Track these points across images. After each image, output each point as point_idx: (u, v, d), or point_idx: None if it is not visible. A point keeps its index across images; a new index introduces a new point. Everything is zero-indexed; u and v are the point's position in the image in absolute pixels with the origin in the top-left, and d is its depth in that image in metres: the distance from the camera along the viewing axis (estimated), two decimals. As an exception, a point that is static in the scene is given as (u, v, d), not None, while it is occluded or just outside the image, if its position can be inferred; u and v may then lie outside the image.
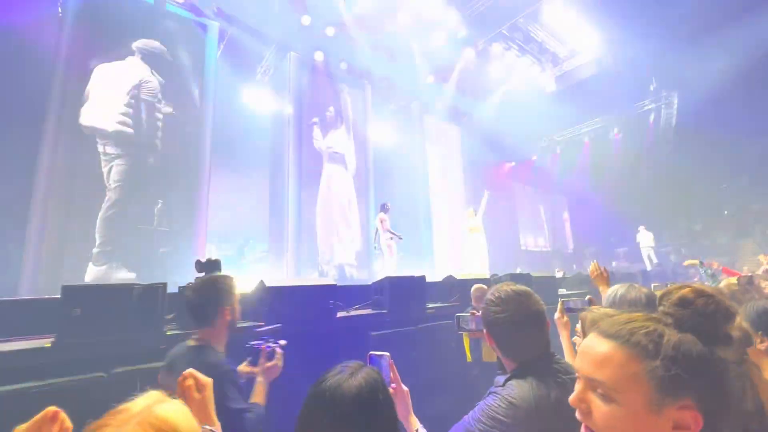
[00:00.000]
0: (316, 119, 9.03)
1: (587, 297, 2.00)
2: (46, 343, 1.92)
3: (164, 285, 2.37)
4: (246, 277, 8.07)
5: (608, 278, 2.39)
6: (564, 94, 12.59)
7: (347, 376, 0.82)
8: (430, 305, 3.94)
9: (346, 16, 9.14)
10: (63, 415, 0.65)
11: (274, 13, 8.54)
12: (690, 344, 0.59)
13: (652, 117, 13.10)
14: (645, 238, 11.12)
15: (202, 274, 2.95)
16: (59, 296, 2.04)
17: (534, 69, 12.04)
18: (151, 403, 0.57)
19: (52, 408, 0.65)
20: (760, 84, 10.15)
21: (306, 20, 8.84)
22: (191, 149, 7.13)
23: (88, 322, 1.99)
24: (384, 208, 7.58)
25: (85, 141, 6.05)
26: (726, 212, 12.69)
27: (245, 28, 8.36)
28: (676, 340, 0.60)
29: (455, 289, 4.32)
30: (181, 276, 6.31)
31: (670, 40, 10.34)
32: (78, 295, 2.07)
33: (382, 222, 7.51)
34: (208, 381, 0.87)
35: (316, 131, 9.04)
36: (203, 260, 2.99)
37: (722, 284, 2.52)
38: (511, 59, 11.42)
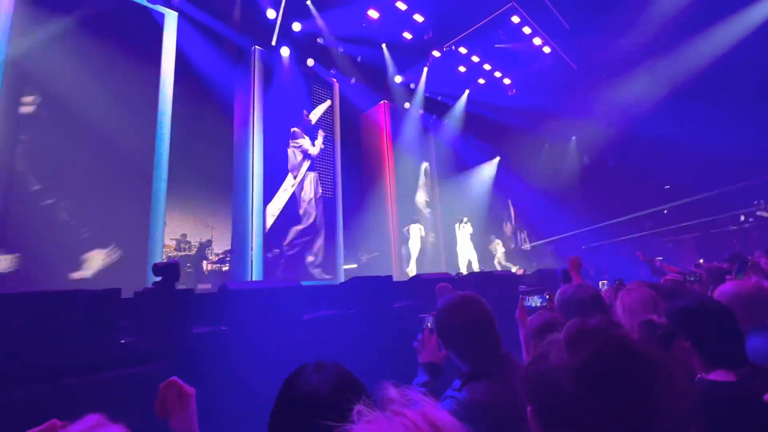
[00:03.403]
0: (296, 129, 8.88)
1: (546, 294, 2.11)
2: (-20, 356, 1.76)
3: (117, 290, 2.24)
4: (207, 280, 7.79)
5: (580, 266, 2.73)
6: (524, 97, 13.12)
7: (320, 379, 0.80)
8: (397, 304, 3.99)
9: (314, 11, 9.02)
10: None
11: (237, 5, 8.27)
12: (527, 366, 0.68)
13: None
14: (498, 249, 11.95)
15: (160, 278, 2.83)
16: (-4, 305, 1.87)
17: (497, 72, 12.45)
18: (90, 428, 0.52)
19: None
20: (703, 92, 11.05)
21: (271, 14, 8.64)
22: (147, 147, 6.75)
23: (30, 332, 1.84)
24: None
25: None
26: (665, 211, 13.75)
27: (205, 19, 8.02)
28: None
29: (422, 287, 4.40)
30: (138, 280, 5.99)
31: (624, 50, 11.08)
32: (18, 302, 1.91)
33: None
34: (190, 391, 0.84)
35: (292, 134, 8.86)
36: (161, 263, 2.86)
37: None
38: (476, 62, 11.74)
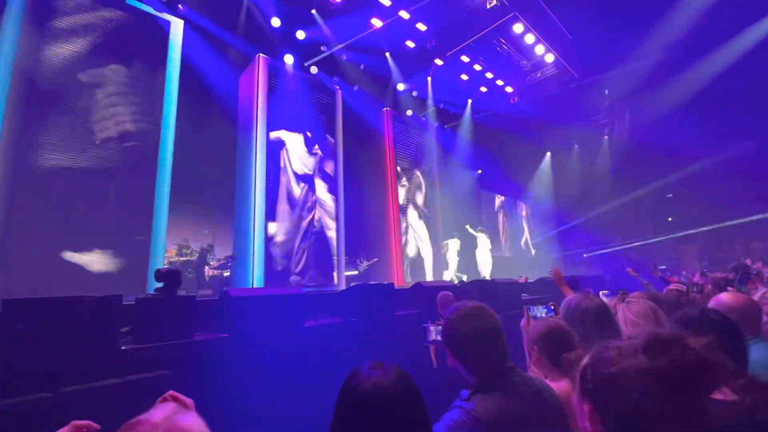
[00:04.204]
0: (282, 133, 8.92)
1: (550, 304, 2.09)
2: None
3: (119, 297, 2.24)
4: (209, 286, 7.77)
5: (563, 279, 2.73)
6: (526, 106, 13.18)
7: (381, 374, 0.84)
8: (399, 312, 3.97)
9: (318, 20, 9.12)
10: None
11: (242, 14, 8.38)
12: (585, 368, 0.76)
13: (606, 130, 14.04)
14: (453, 248, 11.79)
15: (162, 284, 2.84)
16: (-1, 310, 1.88)
17: (498, 81, 12.52)
18: (171, 413, 0.56)
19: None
20: (707, 106, 11.08)
21: (276, 22, 8.73)
22: (151, 152, 6.80)
23: (32, 338, 1.84)
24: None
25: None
26: (670, 219, 13.71)
27: (211, 27, 8.11)
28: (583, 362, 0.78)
29: (423, 295, 4.38)
30: (140, 285, 6.00)
31: (627, 60, 11.17)
32: (21, 308, 1.91)
33: None
34: (190, 402, 0.84)
35: (286, 138, 8.91)
36: (163, 269, 2.86)
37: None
38: (477, 70, 11.82)
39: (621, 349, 0.71)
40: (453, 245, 11.93)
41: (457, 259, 11.90)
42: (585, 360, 0.77)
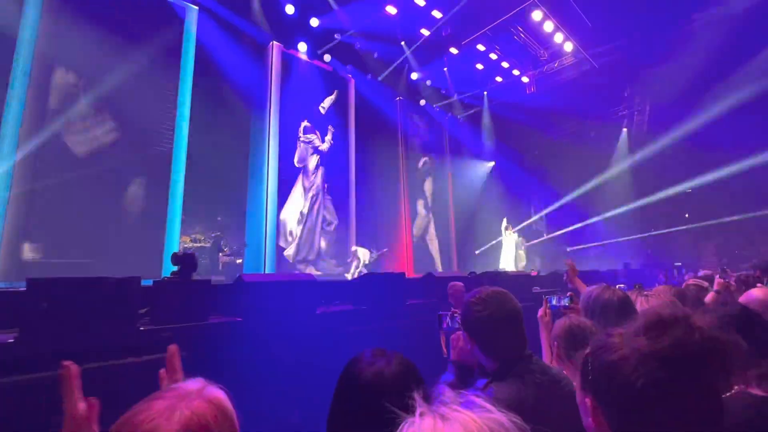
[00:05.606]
0: (306, 123, 8.94)
1: (569, 294, 2.06)
2: (8, 338, 1.82)
3: (138, 279, 2.29)
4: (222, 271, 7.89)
5: (576, 272, 2.68)
6: (543, 96, 12.87)
7: (384, 363, 0.81)
8: (410, 301, 3.98)
9: (333, 5, 9.01)
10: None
11: (257, 1, 8.34)
12: (585, 359, 0.70)
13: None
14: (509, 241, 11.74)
15: (177, 267, 2.89)
16: (23, 289, 1.94)
17: (515, 71, 12.24)
18: (204, 385, 0.62)
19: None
20: (728, 97, 10.65)
21: (290, 9, 8.67)
22: (165, 139, 6.88)
23: (55, 317, 1.90)
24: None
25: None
26: (687, 215, 13.33)
27: (225, 14, 8.08)
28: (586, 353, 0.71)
29: (434, 286, 4.37)
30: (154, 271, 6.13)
31: (648, 53, 10.80)
32: (44, 288, 1.97)
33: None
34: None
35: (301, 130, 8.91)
36: (179, 253, 2.91)
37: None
38: (493, 60, 11.57)
39: (624, 334, 0.63)
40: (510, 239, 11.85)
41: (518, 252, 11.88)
42: (587, 349, 0.69)
